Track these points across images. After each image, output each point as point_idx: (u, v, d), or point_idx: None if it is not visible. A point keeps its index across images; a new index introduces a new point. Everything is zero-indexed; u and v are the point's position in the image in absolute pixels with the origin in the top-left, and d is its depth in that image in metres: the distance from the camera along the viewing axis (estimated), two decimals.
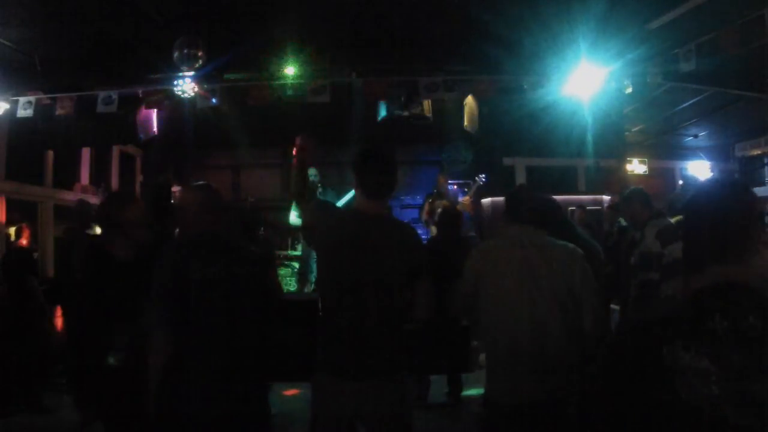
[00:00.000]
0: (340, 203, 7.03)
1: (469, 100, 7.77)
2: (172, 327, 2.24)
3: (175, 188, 7.34)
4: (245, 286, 2.35)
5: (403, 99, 7.31)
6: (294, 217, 7.09)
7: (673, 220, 3.92)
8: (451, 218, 5.30)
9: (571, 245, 2.47)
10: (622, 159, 10.29)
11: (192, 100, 6.48)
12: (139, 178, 10.06)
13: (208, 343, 2.27)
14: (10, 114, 6.35)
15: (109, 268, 2.66)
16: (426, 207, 7.45)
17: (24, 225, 5.51)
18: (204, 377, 2.24)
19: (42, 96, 6.44)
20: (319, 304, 2.40)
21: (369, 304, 2.20)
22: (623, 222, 6.01)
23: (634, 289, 3.49)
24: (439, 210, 5.93)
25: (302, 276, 7.11)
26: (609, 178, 9.89)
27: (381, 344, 2.22)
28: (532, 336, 2.29)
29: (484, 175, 7.75)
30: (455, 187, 8.10)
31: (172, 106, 7.07)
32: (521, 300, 2.31)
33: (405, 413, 2.31)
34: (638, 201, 3.69)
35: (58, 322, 5.39)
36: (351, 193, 7.04)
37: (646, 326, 1.18)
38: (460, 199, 7.42)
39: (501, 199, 8.42)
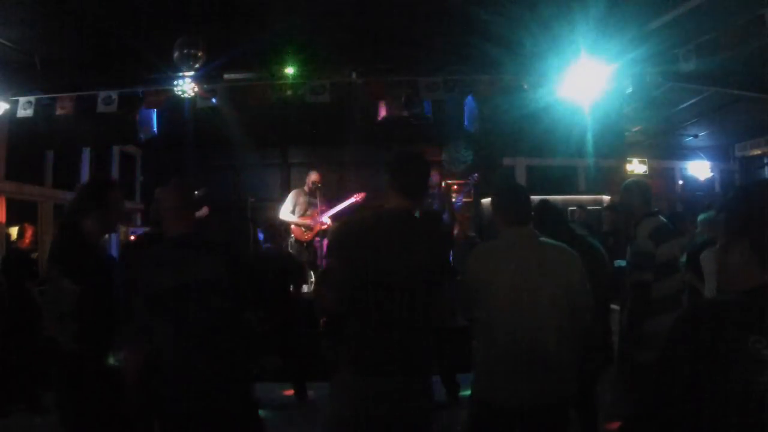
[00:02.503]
0: (334, 211, 7.03)
1: (469, 100, 7.76)
2: (143, 336, 2.26)
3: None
4: (219, 288, 2.33)
5: (403, 99, 7.31)
6: (285, 212, 7.09)
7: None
8: (429, 219, 5.33)
9: (566, 246, 2.48)
10: (622, 159, 10.30)
11: (192, 100, 6.48)
12: (140, 178, 10.06)
13: (180, 345, 2.27)
14: (10, 114, 6.35)
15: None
16: None
17: (27, 225, 5.51)
18: (180, 379, 2.25)
19: (42, 96, 6.43)
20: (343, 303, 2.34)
21: (397, 305, 2.15)
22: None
23: (627, 289, 3.44)
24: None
25: None
26: (609, 178, 9.89)
27: (407, 345, 2.18)
28: (531, 337, 2.29)
29: (476, 174, 7.75)
30: (455, 196, 8.05)
31: (172, 106, 7.07)
32: (520, 301, 2.31)
33: (428, 416, 2.27)
34: (637, 193, 3.53)
35: None
36: (345, 203, 7.05)
37: (720, 321, 1.15)
38: (459, 204, 7.41)
39: None
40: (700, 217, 4.68)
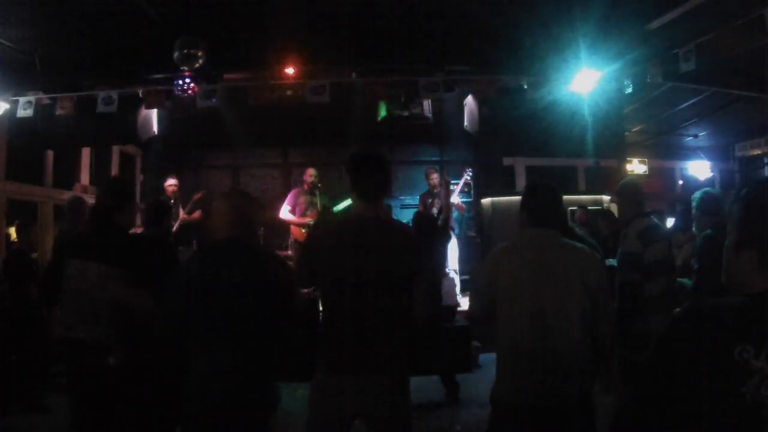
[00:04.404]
0: (337, 208, 7.04)
1: (469, 100, 7.77)
2: (179, 322, 2.36)
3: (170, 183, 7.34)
4: (258, 290, 2.38)
5: (403, 99, 7.31)
6: (285, 212, 7.10)
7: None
8: (424, 222, 5.36)
9: (587, 248, 2.47)
10: (622, 159, 10.29)
11: (192, 100, 6.48)
12: (140, 178, 10.05)
13: (214, 343, 2.32)
14: (10, 114, 6.35)
15: None
16: (420, 207, 7.45)
17: (29, 224, 5.51)
18: (207, 377, 2.30)
19: (42, 96, 6.43)
20: (320, 304, 2.41)
21: (369, 303, 2.23)
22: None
23: (616, 289, 3.45)
24: (413, 215, 5.99)
25: None
26: (609, 178, 9.88)
27: (381, 342, 2.25)
28: (555, 337, 2.28)
29: (470, 170, 7.75)
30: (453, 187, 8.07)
31: (172, 106, 7.07)
32: (545, 302, 2.29)
33: (405, 412, 2.33)
34: (626, 195, 3.56)
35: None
36: (346, 201, 7.06)
37: (713, 325, 1.11)
38: (456, 200, 7.40)
39: (501, 199, 8.50)
40: None
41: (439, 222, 5.87)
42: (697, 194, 3.80)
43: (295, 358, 4.30)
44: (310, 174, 7.16)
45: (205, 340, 2.33)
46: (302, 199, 7.14)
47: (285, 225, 7.37)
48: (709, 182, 11.46)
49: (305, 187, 7.18)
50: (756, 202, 1.18)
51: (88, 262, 2.75)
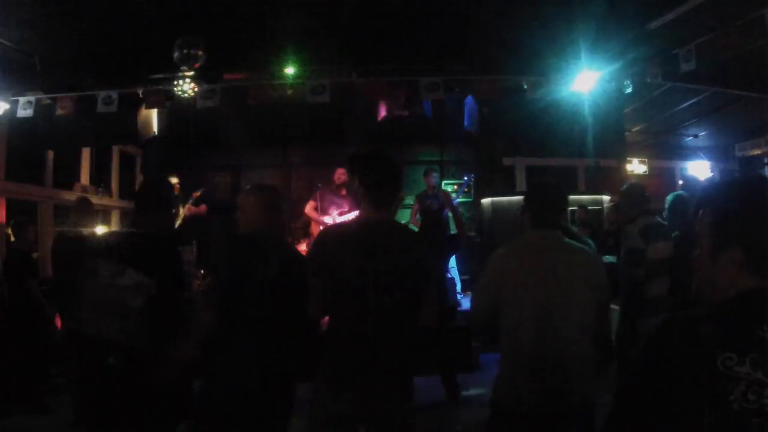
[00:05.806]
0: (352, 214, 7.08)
1: (469, 100, 7.77)
2: (220, 313, 2.36)
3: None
4: (285, 288, 2.41)
5: (403, 99, 7.31)
6: (310, 208, 7.22)
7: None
8: (432, 219, 5.35)
9: (587, 248, 2.46)
10: (622, 159, 10.29)
11: (192, 100, 6.47)
12: (140, 178, 10.05)
13: (241, 339, 2.35)
14: (10, 114, 6.34)
15: None
16: (415, 206, 7.46)
17: (24, 223, 5.49)
18: (232, 373, 2.32)
19: (42, 96, 6.43)
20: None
21: (371, 307, 2.21)
22: None
23: (621, 285, 3.47)
24: (419, 212, 6.01)
25: None
26: (609, 178, 9.89)
27: (383, 347, 2.22)
28: (558, 340, 2.27)
29: (472, 174, 7.80)
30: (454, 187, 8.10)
31: (172, 106, 7.08)
32: (547, 304, 2.28)
33: (408, 415, 2.31)
34: (630, 194, 3.69)
35: (58, 322, 5.39)
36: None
37: (692, 337, 1.09)
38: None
39: (501, 199, 8.51)
40: None
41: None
42: (669, 197, 3.89)
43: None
44: (341, 173, 7.26)
45: (232, 336, 2.34)
46: (328, 198, 7.29)
47: (307, 221, 7.55)
48: (709, 182, 11.46)
49: (333, 186, 7.34)
50: (731, 204, 1.17)
51: (103, 260, 2.79)
